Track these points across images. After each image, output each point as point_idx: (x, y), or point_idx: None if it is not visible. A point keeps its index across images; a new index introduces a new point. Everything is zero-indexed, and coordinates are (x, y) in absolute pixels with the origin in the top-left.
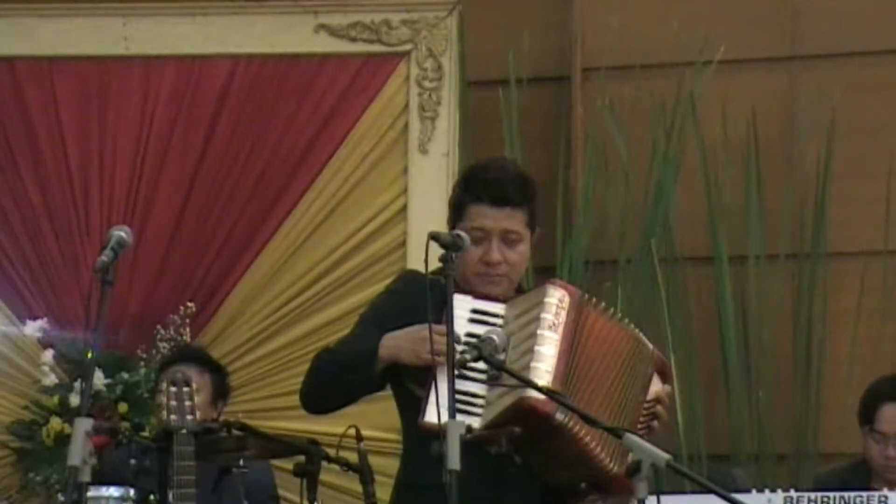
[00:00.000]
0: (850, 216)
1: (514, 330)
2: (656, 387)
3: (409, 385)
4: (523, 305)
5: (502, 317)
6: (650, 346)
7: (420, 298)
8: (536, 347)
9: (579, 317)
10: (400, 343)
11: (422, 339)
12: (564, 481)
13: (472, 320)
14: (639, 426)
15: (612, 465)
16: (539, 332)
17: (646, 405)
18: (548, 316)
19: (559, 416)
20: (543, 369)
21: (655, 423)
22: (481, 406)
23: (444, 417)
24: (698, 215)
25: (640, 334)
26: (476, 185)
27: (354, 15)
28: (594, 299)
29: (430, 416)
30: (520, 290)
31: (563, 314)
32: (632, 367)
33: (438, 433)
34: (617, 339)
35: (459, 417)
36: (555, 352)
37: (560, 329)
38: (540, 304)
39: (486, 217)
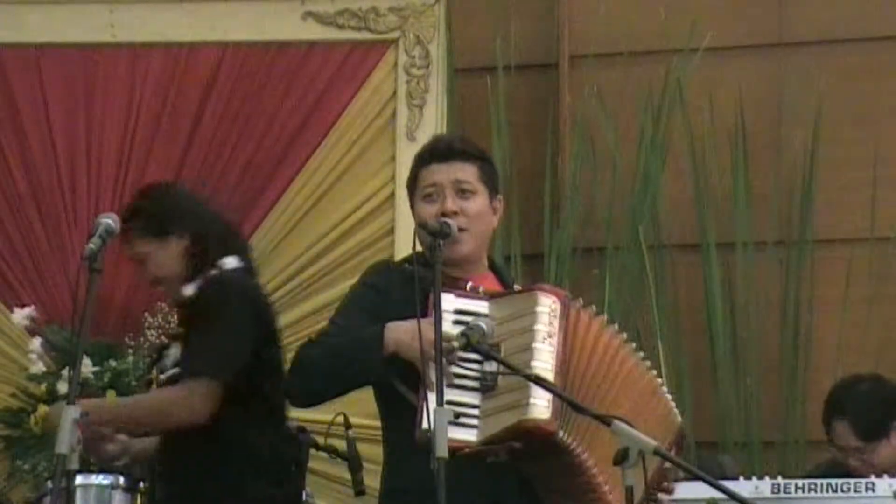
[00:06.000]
0: (837, 203)
1: (505, 335)
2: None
3: (400, 387)
4: (511, 309)
5: (487, 315)
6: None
7: (396, 292)
8: (534, 363)
9: (568, 324)
10: (402, 337)
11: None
12: None
13: (456, 322)
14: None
15: (610, 492)
16: (534, 345)
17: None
18: (541, 327)
19: (562, 434)
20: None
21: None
22: (475, 416)
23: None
24: (686, 202)
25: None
26: (423, 153)
27: (342, 2)
28: (579, 301)
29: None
30: (493, 268)
31: (556, 322)
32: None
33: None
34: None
35: (453, 432)
36: (552, 365)
37: (555, 340)
38: (532, 314)
39: (435, 173)
